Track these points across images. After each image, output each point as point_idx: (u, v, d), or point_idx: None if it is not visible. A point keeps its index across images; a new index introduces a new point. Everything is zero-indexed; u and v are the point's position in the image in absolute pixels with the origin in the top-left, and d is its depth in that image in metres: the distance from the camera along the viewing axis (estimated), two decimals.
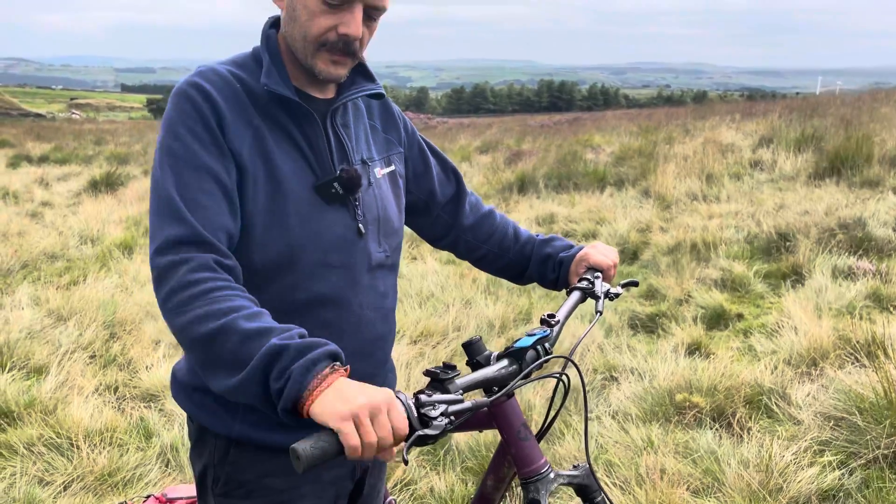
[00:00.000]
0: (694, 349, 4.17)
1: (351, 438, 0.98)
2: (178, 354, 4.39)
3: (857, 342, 3.73)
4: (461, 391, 1.14)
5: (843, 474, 2.76)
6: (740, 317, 4.74)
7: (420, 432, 1.02)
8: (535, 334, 1.31)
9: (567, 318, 1.42)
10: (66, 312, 4.89)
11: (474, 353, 1.26)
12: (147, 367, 4.15)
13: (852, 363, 3.60)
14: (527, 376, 1.25)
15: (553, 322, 1.37)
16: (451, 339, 4.45)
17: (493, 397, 1.21)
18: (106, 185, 10.90)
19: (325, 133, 1.32)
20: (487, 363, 1.26)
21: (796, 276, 5.22)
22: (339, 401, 1.00)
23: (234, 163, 1.23)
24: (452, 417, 1.06)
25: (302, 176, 1.29)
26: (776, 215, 6.82)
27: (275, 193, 1.26)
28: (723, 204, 7.84)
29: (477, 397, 1.17)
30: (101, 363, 4.26)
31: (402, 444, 1.02)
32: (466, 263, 6.81)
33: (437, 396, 1.07)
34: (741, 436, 3.12)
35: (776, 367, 3.73)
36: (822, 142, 9.79)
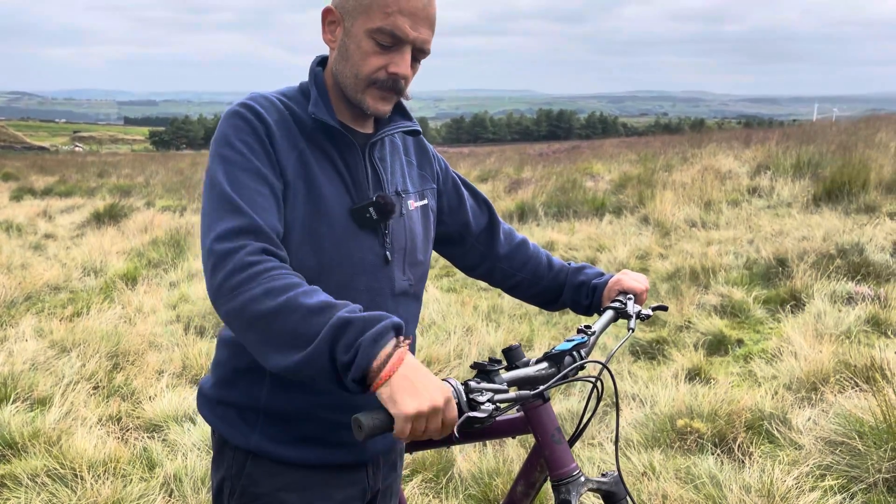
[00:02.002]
0: (694, 375, 4.19)
1: (405, 430, 1.05)
2: (182, 384, 4.41)
3: (857, 367, 3.75)
4: (505, 384, 1.22)
5: (844, 499, 2.76)
6: (740, 342, 4.76)
7: (469, 414, 1.10)
8: (573, 340, 1.39)
9: (602, 331, 1.50)
10: (69, 344, 4.92)
11: (513, 358, 1.34)
12: (150, 398, 4.16)
13: (852, 388, 3.61)
14: (564, 378, 1.32)
15: (590, 332, 1.45)
16: (454, 367, 4.47)
17: (534, 392, 1.28)
18: (109, 217, 10.97)
19: (364, 162, 1.41)
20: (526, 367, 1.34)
21: (795, 302, 5.25)
22: (406, 393, 1.07)
23: (282, 178, 1.32)
24: (498, 405, 1.14)
25: (340, 199, 1.37)
26: (774, 241, 6.87)
27: (313, 212, 1.33)
28: (721, 230, 7.90)
29: None
30: (104, 394, 4.27)
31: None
32: (467, 291, 6.80)
33: (485, 385, 1.16)
34: (743, 461, 3.13)
35: (776, 393, 3.75)
36: (819, 168, 9.89)
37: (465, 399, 1.11)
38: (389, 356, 1.09)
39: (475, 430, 1.14)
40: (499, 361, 1.24)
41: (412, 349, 1.55)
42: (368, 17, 1.30)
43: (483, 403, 1.11)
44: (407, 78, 1.35)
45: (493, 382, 1.20)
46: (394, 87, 1.35)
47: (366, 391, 1.11)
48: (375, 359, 1.08)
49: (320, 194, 1.34)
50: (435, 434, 1.08)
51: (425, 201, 1.54)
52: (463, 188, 1.69)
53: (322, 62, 1.44)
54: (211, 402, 1.45)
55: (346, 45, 1.34)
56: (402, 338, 1.13)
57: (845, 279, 5.53)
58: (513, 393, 1.21)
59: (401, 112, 1.50)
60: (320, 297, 1.17)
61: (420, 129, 1.54)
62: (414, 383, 1.08)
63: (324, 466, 1.40)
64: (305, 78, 1.46)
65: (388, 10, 1.29)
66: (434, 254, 1.70)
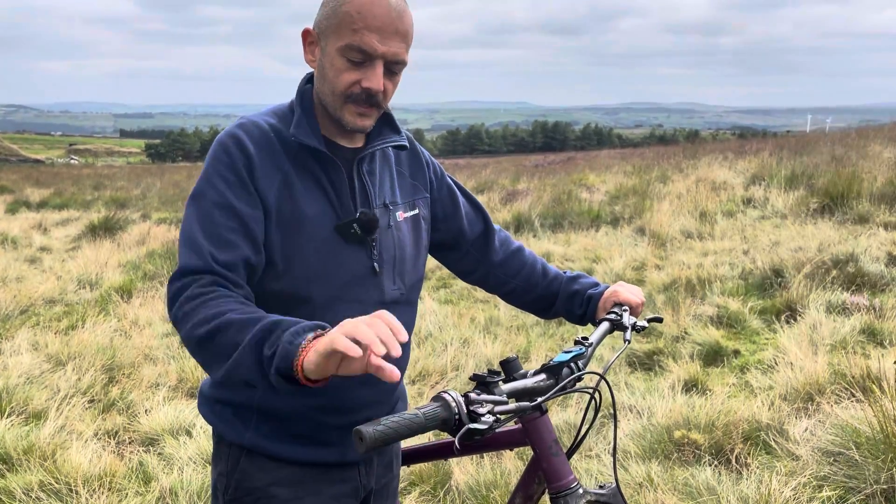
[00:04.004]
0: (691, 386, 4.19)
1: (345, 342, 1.03)
2: (178, 397, 4.40)
3: (853, 377, 3.76)
4: (504, 395, 1.23)
5: None
6: (737, 353, 4.76)
7: (469, 426, 1.10)
8: (571, 351, 1.40)
9: (598, 343, 1.51)
10: (64, 357, 4.90)
11: (511, 370, 1.34)
12: (146, 411, 4.14)
13: (848, 398, 3.62)
14: (562, 389, 1.33)
15: (587, 344, 1.46)
16: (450, 379, 4.47)
17: (534, 403, 1.28)
18: (104, 229, 10.95)
19: (349, 179, 1.45)
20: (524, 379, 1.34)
21: (791, 312, 5.26)
22: (328, 338, 1.06)
23: (262, 204, 1.37)
24: (499, 416, 1.14)
25: (325, 216, 1.41)
26: (770, 252, 6.89)
27: (298, 231, 1.38)
28: (717, 241, 7.92)
29: None
30: (99, 407, 4.25)
31: (452, 437, 1.11)
32: (464, 303, 6.82)
33: (485, 396, 1.16)
34: (740, 472, 3.13)
35: (773, 403, 3.75)
36: (813, 179, 9.93)
37: (465, 411, 1.11)
38: (310, 342, 1.10)
39: (475, 443, 1.14)
40: (497, 373, 1.24)
41: (406, 354, 1.59)
42: (339, 35, 1.35)
43: (483, 415, 1.11)
44: (382, 91, 1.38)
45: (493, 394, 1.21)
46: (369, 101, 1.38)
47: (290, 382, 1.12)
48: (298, 349, 1.10)
49: (304, 214, 1.39)
50: (387, 334, 1.05)
51: (416, 211, 1.57)
52: (459, 195, 1.71)
53: (311, 79, 1.48)
54: (209, 402, 1.52)
55: (323, 63, 1.39)
56: (321, 331, 1.13)
57: (840, 289, 5.54)
58: (512, 405, 1.21)
59: (389, 125, 1.53)
60: (253, 313, 1.21)
61: (407, 144, 1.56)
62: (336, 329, 1.08)
63: (314, 464, 1.46)
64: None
65: (355, 27, 1.33)
66: (430, 265, 1.72)
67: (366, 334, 1.04)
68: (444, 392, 1.12)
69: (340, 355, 1.04)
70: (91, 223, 11.34)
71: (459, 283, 7.09)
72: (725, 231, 8.33)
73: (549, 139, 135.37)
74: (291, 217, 1.38)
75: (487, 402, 1.15)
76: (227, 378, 1.20)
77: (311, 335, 1.11)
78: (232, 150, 1.36)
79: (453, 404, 1.11)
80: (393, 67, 1.38)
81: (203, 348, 1.22)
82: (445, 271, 7.32)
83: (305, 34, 1.43)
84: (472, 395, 1.15)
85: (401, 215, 1.52)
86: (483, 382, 1.22)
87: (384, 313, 1.09)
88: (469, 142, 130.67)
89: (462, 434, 1.10)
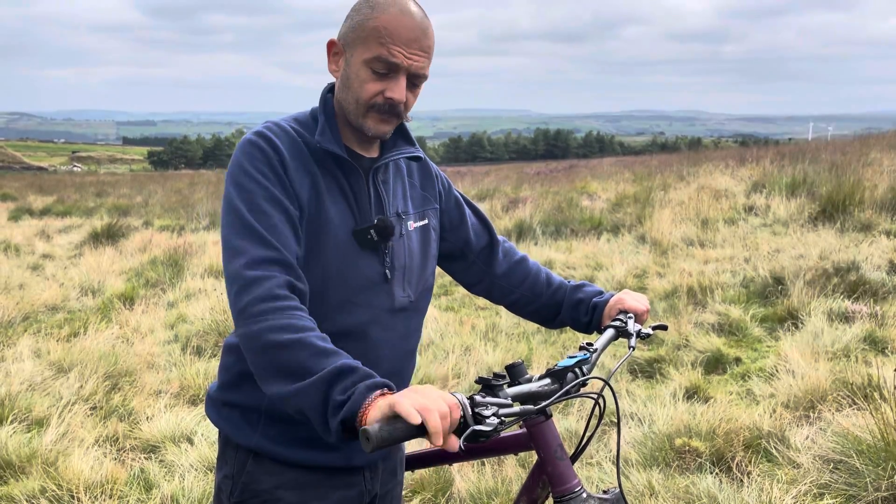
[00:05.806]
0: (692, 393, 4.19)
1: (407, 408, 1.07)
2: (180, 404, 4.40)
3: (854, 385, 3.76)
4: (509, 398, 1.24)
5: None
6: (738, 361, 4.76)
7: (474, 428, 1.12)
8: (575, 357, 1.42)
9: (603, 349, 1.53)
10: (66, 364, 4.90)
11: (516, 374, 1.36)
12: (148, 418, 4.15)
13: (850, 406, 3.62)
14: (566, 394, 1.35)
15: (591, 349, 1.47)
16: (452, 386, 4.47)
17: (538, 407, 1.30)
18: (107, 236, 10.97)
19: (367, 186, 1.49)
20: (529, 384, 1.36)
21: (792, 320, 5.26)
22: (391, 401, 1.11)
23: (297, 201, 1.41)
24: (503, 419, 1.16)
25: (345, 221, 1.46)
26: (771, 259, 6.89)
27: (320, 233, 1.43)
28: (718, 249, 7.93)
29: None
30: (101, 414, 4.26)
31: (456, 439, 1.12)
32: (465, 310, 6.82)
33: (490, 399, 1.18)
34: (741, 480, 3.12)
35: (774, 411, 3.75)
36: (815, 187, 9.94)
37: (470, 413, 1.13)
38: (374, 400, 1.14)
39: (480, 445, 1.15)
40: (503, 377, 1.26)
41: (412, 362, 1.63)
42: (366, 47, 1.40)
43: (488, 417, 1.13)
44: (404, 102, 1.43)
45: (498, 397, 1.22)
46: (391, 111, 1.43)
47: (346, 436, 1.16)
48: (363, 404, 1.13)
49: (328, 217, 1.43)
50: (445, 412, 1.09)
51: (426, 221, 1.61)
52: (465, 206, 1.75)
53: (333, 89, 1.53)
54: (217, 404, 1.55)
55: (348, 74, 1.44)
56: (386, 390, 1.18)
57: (842, 297, 5.54)
58: (517, 408, 1.23)
59: (404, 137, 1.58)
60: (330, 344, 1.25)
61: (421, 155, 1.61)
62: (396, 395, 1.12)
63: (320, 468, 1.49)
64: (311, 100, 1.55)
65: (382, 41, 1.38)
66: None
67: (434, 422, 1.07)
68: (451, 393, 1.14)
69: (400, 420, 1.09)
70: (93, 230, 11.37)
71: (460, 291, 7.10)
72: (727, 239, 8.34)
73: (551, 147, 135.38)
74: (317, 218, 1.42)
75: (492, 404, 1.16)
76: (279, 397, 1.22)
77: (377, 391, 1.15)
78: (265, 148, 1.40)
79: (458, 405, 1.12)
80: (415, 80, 1.44)
81: (269, 355, 1.24)
82: (447, 279, 7.33)
83: (331, 45, 1.47)
84: (478, 398, 1.17)
85: (412, 225, 1.57)
86: (488, 385, 1.24)
87: (455, 407, 1.12)
88: (471, 149, 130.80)
89: (467, 435, 1.11)
